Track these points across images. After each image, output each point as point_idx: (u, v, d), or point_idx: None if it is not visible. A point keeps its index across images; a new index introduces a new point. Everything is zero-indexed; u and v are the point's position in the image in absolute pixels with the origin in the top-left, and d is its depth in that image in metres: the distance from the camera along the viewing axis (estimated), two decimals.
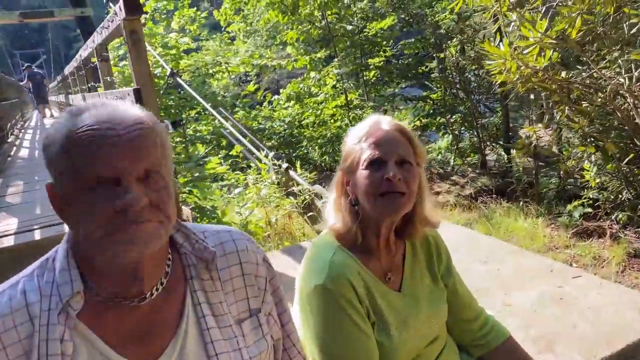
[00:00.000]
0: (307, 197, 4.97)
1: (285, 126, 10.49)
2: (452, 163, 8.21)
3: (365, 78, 9.92)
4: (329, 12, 9.66)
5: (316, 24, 9.99)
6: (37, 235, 3.36)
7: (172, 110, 7.84)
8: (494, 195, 6.30)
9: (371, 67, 9.82)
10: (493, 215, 5.45)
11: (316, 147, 9.33)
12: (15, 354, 0.88)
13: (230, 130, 6.35)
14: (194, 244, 1.05)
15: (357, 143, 1.29)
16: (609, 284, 2.59)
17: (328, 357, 1.23)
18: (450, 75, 8.16)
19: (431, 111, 8.46)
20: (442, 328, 1.44)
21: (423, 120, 8.62)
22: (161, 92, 7.44)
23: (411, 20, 8.57)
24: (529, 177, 6.12)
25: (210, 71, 11.00)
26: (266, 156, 5.58)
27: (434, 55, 8.63)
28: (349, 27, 9.68)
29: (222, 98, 10.39)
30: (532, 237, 4.73)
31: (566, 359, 1.96)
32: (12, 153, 7.80)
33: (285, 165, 5.45)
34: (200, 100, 6.61)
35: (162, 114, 6.78)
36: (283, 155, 6.32)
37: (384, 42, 9.97)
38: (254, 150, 5.96)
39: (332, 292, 1.21)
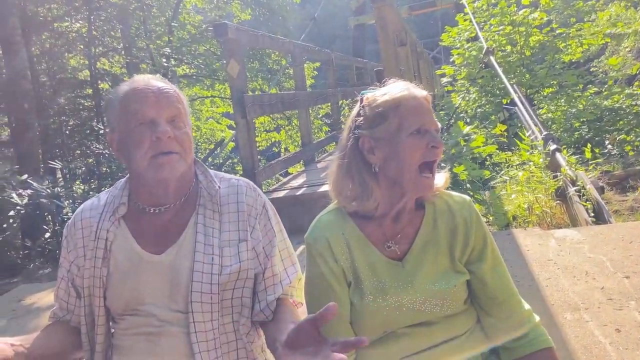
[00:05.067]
0: (561, 182, 4.64)
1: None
2: None
3: None
4: None
5: None
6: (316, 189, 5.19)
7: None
8: None
9: None
10: None
11: None
12: (89, 225, 1.39)
13: (520, 109, 6.27)
14: (208, 182, 1.39)
15: (394, 109, 1.22)
16: None
17: (307, 303, 1.34)
18: None
19: None
20: (451, 317, 1.28)
21: None
22: (476, 71, 7.86)
23: None
24: None
25: (561, 45, 10.34)
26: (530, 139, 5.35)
27: None
28: None
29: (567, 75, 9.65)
30: None
31: None
32: None
33: (554, 146, 5.16)
34: (504, 79, 6.75)
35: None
36: (554, 136, 5.79)
37: None
38: (534, 130, 5.78)
39: (310, 247, 1.30)
